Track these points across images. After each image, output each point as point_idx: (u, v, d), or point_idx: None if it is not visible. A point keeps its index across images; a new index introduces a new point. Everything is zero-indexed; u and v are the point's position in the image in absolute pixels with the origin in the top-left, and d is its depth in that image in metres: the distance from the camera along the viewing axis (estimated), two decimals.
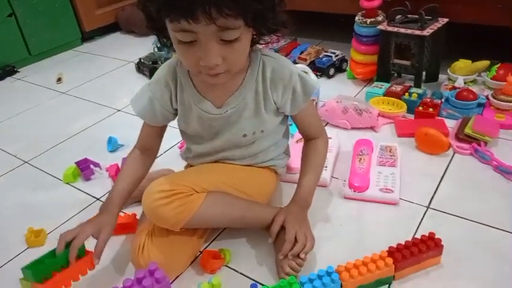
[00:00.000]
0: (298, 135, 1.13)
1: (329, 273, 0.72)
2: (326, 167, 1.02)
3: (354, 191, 0.94)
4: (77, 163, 1.12)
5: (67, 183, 1.11)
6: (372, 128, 1.21)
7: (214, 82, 0.72)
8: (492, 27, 1.33)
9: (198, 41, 0.64)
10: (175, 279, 0.79)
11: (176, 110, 0.83)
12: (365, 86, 1.45)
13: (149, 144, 0.88)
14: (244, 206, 0.81)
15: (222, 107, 0.79)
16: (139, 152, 0.88)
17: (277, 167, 0.91)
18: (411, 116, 1.25)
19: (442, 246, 0.75)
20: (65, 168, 1.13)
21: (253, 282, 0.76)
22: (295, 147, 1.06)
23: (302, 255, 0.76)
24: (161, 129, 0.88)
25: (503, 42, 1.32)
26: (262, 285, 0.74)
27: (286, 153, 0.95)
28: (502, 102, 1.17)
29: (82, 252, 0.74)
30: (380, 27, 1.37)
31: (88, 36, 2.20)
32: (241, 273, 0.80)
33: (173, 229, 0.76)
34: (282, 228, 0.79)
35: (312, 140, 0.89)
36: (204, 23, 0.60)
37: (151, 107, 0.81)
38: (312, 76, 1.27)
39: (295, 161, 1.00)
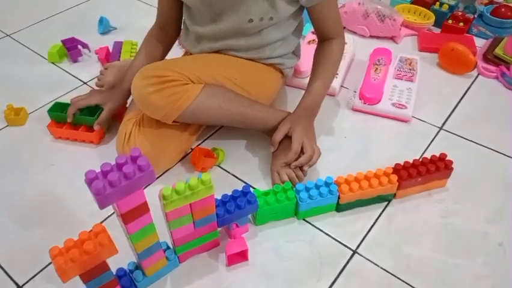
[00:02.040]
0: (310, 36, 1.02)
1: (327, 184, 0.67)
2: (337, 74, 0.93)
3: (365, 103, 0.86)
4: (63, 41, 1.01)
5: (52, 63, 1.01)
6: (392, 38, 1.09)
7: None
8: None
9: None
10: (162, 174, 0.75)
11: None
12: None
13: (167, 19, 0.82)
14: (245, 103, 0.73)
15: None
16: (157, 28, 0.83)
17: (284, 66, 0.82)
18: (437, 30, 1.12)
19: (452, 168, 0.70)
20: (50, 46, 1.02)
21: (245, 184, 0.71)
22: (306, 48, 0.96)
23: (305, 168, 0.70)
24: (178, 2, 0.78)
25: None
26: (254, 188, 0.69)
27: (296, 53, 0.85)
28: None
29: (90, 122, 0.79)
30: None
31: None
32: (233, 175, 0.75)
33: (166, 121, 0.69)
34: (285, 136, 0.72)
35: (327, 41, 0.78)
36: None
37: None
38: None
39: (305, 64, 0.90)
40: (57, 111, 0.80)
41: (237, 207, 0.61)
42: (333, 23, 0.77)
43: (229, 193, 0.62)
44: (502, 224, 0.68)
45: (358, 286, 0.60)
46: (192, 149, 0.79)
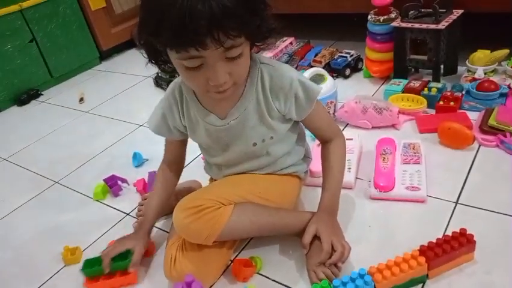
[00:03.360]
0: None
1: (361, 276, 0.72)
2: (350, 168, 1.02)
3: (380, 191, 0.94)
4: (105, 180, 1.15)
5: (97, 201, 1.14)
6: (393, 126, 1.20)
7: (222, 97, 0.73)
8: (508, 15, 1.31)
9: (204, 64, 0.66)
10: None
11: (185, 125, 0.85)
12: (382, 84, 1.44)
13: (173, 158, 0.93)
14: (273, 213, 0.82)
15: (225, 118, 0.80)
16: (166, 167, 0.93)
17: (299, 173, 0.92)
18: (432, 111, 1.23)
19: (474, 242, 0.74)
20: (93, 186, 1.16)
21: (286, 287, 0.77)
22: (317, 150, 1.07)
23: (339, 264, 0.76)
24: (182, 143, 0.92)
25: None
26: None
27: (308, 156, 0.96)
28: None
29: (125, 267, 0.84)
30: (394, 24, 1.37)
31: (105, 55, 2.27)
32: (273, 280, 0.81)
33: (206, 243, 0.77)
34: (314, 236, 0.79)
35: (328, 142, 0.89)
36: (213, 47, 0.62)
37: (165, 123, 0.85)
38: (329, 79, 1.27)
39: (317, 164, 1.00)
40: (90, 267, 0.85)
41: None
42: (327, 127, 0.88)
43: None
44: None
45: None
46: (231, 260, 0.86)
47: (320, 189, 0.87)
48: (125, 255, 0.85)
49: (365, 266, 0.73)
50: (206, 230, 0.76)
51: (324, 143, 0.90)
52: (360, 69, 1.57)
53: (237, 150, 0.84)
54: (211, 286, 0.81)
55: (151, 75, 1.80)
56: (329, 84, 1.25)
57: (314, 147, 1.10)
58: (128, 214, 1.07)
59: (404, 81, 1.35)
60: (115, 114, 1.64)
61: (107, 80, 2.04)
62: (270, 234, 0.85)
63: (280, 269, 0.83)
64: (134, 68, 2.00)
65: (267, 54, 1.67)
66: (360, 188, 1.00)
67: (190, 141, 0.92)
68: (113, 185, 1.13)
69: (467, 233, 0.75)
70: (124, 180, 1.17)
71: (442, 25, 1.29)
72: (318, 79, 1.25)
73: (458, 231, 0.76)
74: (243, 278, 0.80)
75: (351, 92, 1.36)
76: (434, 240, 0.75)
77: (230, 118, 0.80)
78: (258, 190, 0.84)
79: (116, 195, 1.14)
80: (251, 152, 0.85)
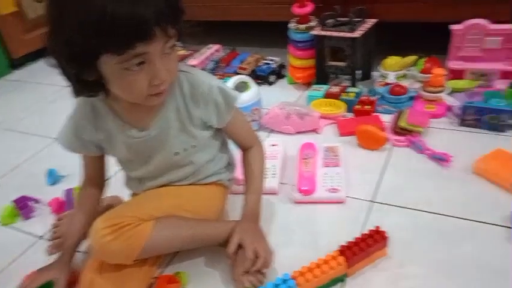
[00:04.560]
0: None
1: (284, 281, 0.73)
2: (274, 174, 1.04)
3: (303, 195, 0.97)
4: (15, 201, 1.05)
5: (5, 225, 1.04)
6: (315, 131, 1.24)
7: (159, 101, 0.72)
8: (418, 23, 1.43)
9: (146, 63, 0.64)
10: None
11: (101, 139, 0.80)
12: (305, 90, 1.49)
13: (94, 173, 0.87)
14: (195, 225, 0.81)
15: (146, 129, 0.78)
16: (87, 183, 0.87)
17: (222, 181, 0.91)
18: (351, 115, 1.30)
19: (387, 238, 0.79)
20: (1, 209, 1.05)
21: None
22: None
23: (264, 270, 0.77)
24: (101, 158, 0.86)
25: (429, 36, 1.41)
26: None
27: (231, 164, 0.95)
28: (430, 94, 1.25)
29: None
30: (314, 32, 1.42)
31: (18, 63, 2.09)
32: None
33: (126, 263, 0.74)
34: (239, 246, 0.79)
35: (247, 149, 0.89)
36: (160, 38, 0.62)
37: (78, 138, 0.80)
38: (253, 86, 1.28)
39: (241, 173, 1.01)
40: None
41: None
42: (247, 134, 0.89)
43: None
44: (443, 273, 0.76)
45: None
46: (155, 277, 0.82)
47: None
48: (46, 285, 0.77)
49: (289, 271, 0.74)
50: (126, 249, 0.72)
51: (244, 150, 0.90)
52: (284, 76, 1.61)
53: (159, 162, 0.81)
54: None
55: (69, 85, 1.69)
56: (253, 92, 1.26)
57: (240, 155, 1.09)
58: (41, 237, 0.98)
59: (325, 87, 1.41)
60: (28, 128, 1.51)
61: (19, 90, 1.88)
62: (194, 246, 0.83)
63: (207, 282, 0.81)
64: (50, 78, 1.86)
65: (193, 62, 1.66)
66: (285, 193, 1.01)
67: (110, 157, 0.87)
68: (23, 206, 1.04)
69: (380, 230, 0.79)
70: (36, 201, 1.07)
71: (357, 33, 1.36)
72: (242, 86, 1.26)
73: (374, 228, 0.80)
74: None
75: (276, 98, 1.39)
76: (353, 240, 0.79)
77: (150, 129, 0.77)
78: (181, 202, 0.82)
79: (27, 217, 1.04)
80: (173, 162, 0.82)
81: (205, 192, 0.88)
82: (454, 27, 1.30)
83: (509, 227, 0.84)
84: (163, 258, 0.85)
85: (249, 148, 0.89)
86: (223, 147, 0.92)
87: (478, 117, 1.14)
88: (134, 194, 0.92)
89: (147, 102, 0.70)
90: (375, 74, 1.47)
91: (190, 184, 0.86)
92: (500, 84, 1.26)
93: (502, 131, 1.12)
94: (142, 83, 0.66)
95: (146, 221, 0.75)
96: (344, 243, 0.78)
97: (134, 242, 0.72)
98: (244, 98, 1.21)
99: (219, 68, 1.68)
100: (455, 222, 0.87)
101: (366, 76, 1.50)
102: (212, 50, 1.78)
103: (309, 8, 1.42)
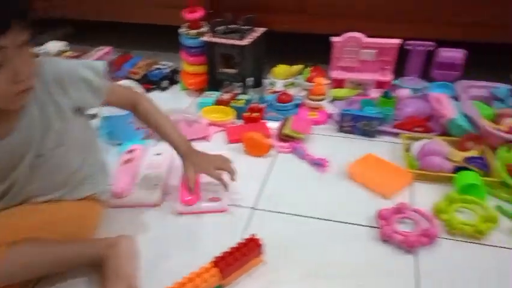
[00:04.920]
0: (125, 156, 1.08)
1: None
2: (156, 184, 1.00)
3: (186, 205, 0.94)
4: None
5: None
6: (204, 138, 1.23)
7: (27, 99, 0.68)
8: (308, 35, 1.50)
9: (5, 60, 0.61)
10: None
11: None
12: (197, 97, 1.47)
13: None
14: (57, 248, 0.73)
15: (7, 136, 0.70)
16: None
17: (98, 195, 0.85)
18: (241, 122, 1.31)
19: (261, 245, 0.80)
20: None
21: None
22: (122, 169, 1.02)
23: (234, 177, 0.93)
24: None
25: (316, 47, 1.49)
26: None
27: (105, 171, 0.89)
28: (312, 102, 1.32)
29: None
30: (204, 38, 1.41)
31: None
32: None
33: None
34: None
35: (137, 105, 0.88)
36: (19, 30, 0.60)
37: None
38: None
39: (122, 184, 0.96)
40: None
41: None
42: (129, 93, 0.91)
43: None
44: (318, 275, 0.79)
45: None
46: None
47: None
48: None
49: (170, 284, 0.72)
50: None
51: (134, 110, 0.89)
52: (178, 82, 1.58)
53: (21, 168, 0.72)
54: None
55: None
56: None
57: (121, 165, 1.04)
58: None
59: (216, 94, 1.41)
60: None
61: None
62: (61, 270, 0.76)
63: None
64: None
65: None
66: (168, 205, 0.98)
67: None
68: None
69: (254, 237, 0.80)
70: None
71: (247, 41, 1.38)
72: None
73: (249, 237, 0.81)
74: None
75: (167, 105, 1.33)
76: (228, 250, 0.79)
77: (14, 133, 0.70)
78: (43, 224, 0.74)
79: None
80: (37, 167, 0.73)
81: (75, 210, 0.80)
82: (334, 39, 1.40)
83: (374, 227, 0.91)
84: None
85: (138, 103, 0.88)
86: (94, 147, 0.86)
87: (353, 123, 1.23)
88: None
89: (14, 104, 0.66)
90: (266, 81, 1.51)
91: (61, 196, 0.78)
92: (374, 93, 1.38)
93: (373, 136, 1.22)
94: (2, 84, 0.62)
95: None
96: (218, 255, 0.78)
97: None
98: None
99: (109, 72, 1.58)
100: (329, 225, 0.92)
101: (258, 84, 1.53)
102: (101, 53, 1.67)
103: (199, 13, 1.41)
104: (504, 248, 0.85)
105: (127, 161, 1.05)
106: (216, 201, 0.95)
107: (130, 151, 1.08)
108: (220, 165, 0.92)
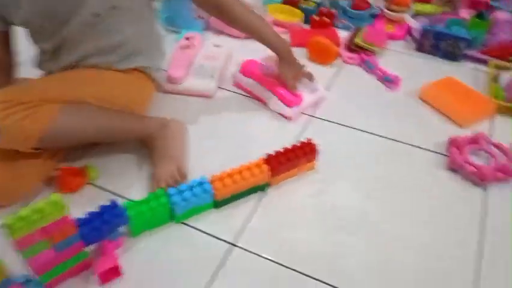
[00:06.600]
0: (183, 42, 1.01)
1: (201, 184, 0.67)
2: (213, 75, 0.94)
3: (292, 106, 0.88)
4: None
5: None
6: None
7: None
8: None
9: None
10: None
11: None
12: None
13: None
14: (113, 116, 0.71)
15: None
16: None
17: (151, 70, 0.80)
18: (307, 26, 1.19)
19: (316, 150, 0.74)
20: None
21: (121, 198, 0.69)
22: (179, 54, 0.96)
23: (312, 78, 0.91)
24: (5, 35, 0.73)
25: None
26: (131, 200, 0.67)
27: (160, 49, 0.83)
28: (393, 13, 1.16)
29: None
30: None
31: None
32: (108, 191, 0.72)
33: (23, 149, 0.64)
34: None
35: (219, 7, 0.76)
36: None
37: None
38: None
39: (179, 70, 0.91)
40: None
41: (104, 223, 0.58)
42: None
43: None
44: (372, 197, 0.74)
45: (243, 279, 0.60)
46: (58, 169, 0.73)
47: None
48: None
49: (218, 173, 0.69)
50: (19, 131, 0.61)
51: (217, 9, 0.77)
52: None
53: (75, 24, 0.68)
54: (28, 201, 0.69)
55: None
56: None
57: (177, 50, 0.98)
58: None
59: None
60: None
61: None
62: (111, 140, 0.75)
63: (117, 178, 0.74)
64: None
65: None
66: (222, 96, 0.93)
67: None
68: None
69: (311, 142, 0.74)
70: None
71: None
72: None
73: (305, 140, 0.75)
74: (69, 188, 0.69)
75: None
76: (281, 149, 0.74)
77: None
78: (98, 89, 0.71)
79: None
80: (92, 27, 0.69)
81: (128, 81, 0.76)
82: None
83: (443, 154, 0.82)
84: (64, 153, 0.75)
85: (219, 5, 0.76)
86: (151, 20, 0.80)
87: (436, 42, 1.07)
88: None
89: None
90: None
91: (108, 67, 0.74)
92: (465, 13, 1.19)
93: (456, 60, 1.07)
94: None
95: (50, 103, 0.64)
96: (271, 153, 0.73)
97: (31, 123, 0.62)
98: None
99: None
100: (391, 144, 0.84)
101: None
102: None
103: None
104: None
105: (185, 47, 0.98)
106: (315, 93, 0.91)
107: (188, 38, 1.01)
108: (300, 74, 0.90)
